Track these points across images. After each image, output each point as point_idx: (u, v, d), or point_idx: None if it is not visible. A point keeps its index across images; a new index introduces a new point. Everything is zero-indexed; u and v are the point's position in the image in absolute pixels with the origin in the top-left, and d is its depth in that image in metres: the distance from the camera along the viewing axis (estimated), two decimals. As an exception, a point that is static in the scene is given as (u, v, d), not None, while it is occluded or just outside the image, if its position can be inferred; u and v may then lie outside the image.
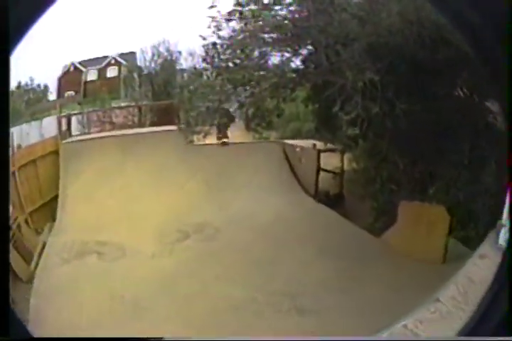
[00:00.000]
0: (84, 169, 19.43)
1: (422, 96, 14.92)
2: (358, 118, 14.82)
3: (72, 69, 26.69)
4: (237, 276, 14.70)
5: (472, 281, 8.21)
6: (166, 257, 16.24)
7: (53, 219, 18.70)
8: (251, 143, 22.49)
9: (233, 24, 16.88)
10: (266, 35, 16.66)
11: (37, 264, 16.04)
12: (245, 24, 16.76)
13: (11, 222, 15.42)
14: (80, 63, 26.64)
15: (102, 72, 26.88)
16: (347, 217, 18.11)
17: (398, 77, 14.74)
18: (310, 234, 16.53)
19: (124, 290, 14.37)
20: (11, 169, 17.02)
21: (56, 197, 19.25)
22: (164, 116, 24.50)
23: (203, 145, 20.18)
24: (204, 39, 17.19)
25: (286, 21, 16.37)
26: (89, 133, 23.77)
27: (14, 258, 14.78)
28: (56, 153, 20.36)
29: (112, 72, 26.91)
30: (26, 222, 18.25)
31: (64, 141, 21.26)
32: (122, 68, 26.84)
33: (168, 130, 21.75)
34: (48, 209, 19.02)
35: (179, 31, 21.11)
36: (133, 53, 26.54)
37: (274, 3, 16.51)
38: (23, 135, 21.09)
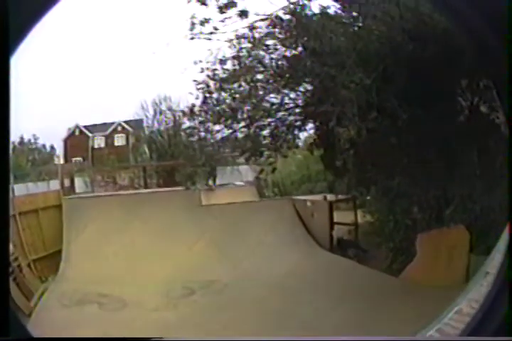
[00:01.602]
0: (87, 226, 18.48)
1: (422, 104, 13.92)
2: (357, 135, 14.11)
3: (77, 132, 26.52)
4: (246, 326, 13.19)
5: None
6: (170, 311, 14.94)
7: (57, 270, 17.76)
8: (260, 201, 21.69)
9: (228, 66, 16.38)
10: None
11: (36, 304, 15.06)
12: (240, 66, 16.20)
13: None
14: (85, 127, 26.39)
15: (109, 140, 26.54)
16: (365, 264, 16.85)
17: (395, 85, 13.83)
18: (326, 285, 15.23)
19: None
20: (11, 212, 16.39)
21: (60, 251, 18.36)
22: (170, 176, 23.86)
23: (211, 205, 19.52)
24: (199, 83, 16.56)
25: (280, 62, 15.96)
26: (92, 192, 23.31)
27: (14, 292, 13.84)
28: (58, 207, 19.58)
29: (119, 141, 26.54)
30: (29, 266, 17.63)
31: (67, 197, 20.55)
32: (130, 136, 26.51)
33: (174, 190, 20.89)
34: (53, 261, 18.17)
35: (179, 87, 20.68)
36: (139, 120, 26.31)
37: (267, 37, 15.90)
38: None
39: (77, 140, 26.12)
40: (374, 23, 14.24)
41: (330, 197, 19.36)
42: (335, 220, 19.60)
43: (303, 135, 17.31)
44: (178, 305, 15.27)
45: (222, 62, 16.30)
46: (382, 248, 16.94)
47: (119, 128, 26.67)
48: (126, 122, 26.53)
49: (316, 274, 16.13)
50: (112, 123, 26.50)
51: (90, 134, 26.44)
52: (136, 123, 26.62)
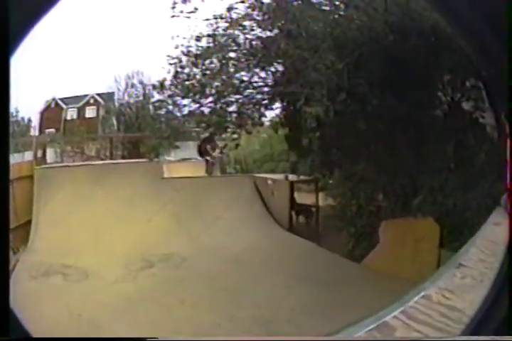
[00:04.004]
0: (54, 195, 17.91)
1: (396, 92, 13.39)
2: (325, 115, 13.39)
3: (53, 105, 25.79)
4: (202, 303, 12.72)
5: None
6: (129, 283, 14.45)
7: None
8: (222, 177, 21.09)
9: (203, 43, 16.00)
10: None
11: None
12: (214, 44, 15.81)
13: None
14: (61, 100, 25.65)
15: (81, 111, 25.79)
16: (325, 246, 16.15)
17: (369, 72, 13.34)
18: (283, 264, 14.57)
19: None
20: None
21: (30, 221, 17.81)
22: (135, 148, 23.45)
23: (173, 178, 18.89)
24: (173, 58, 16.17)
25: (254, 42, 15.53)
26: (62, 162, 22.78)
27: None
28: (31, 177, 18.90)
29: (91, 113, 25.79)
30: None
31: (38, 167, 19.84)
32: (101, 109, 25.83)
33: (139, 162, 20.38)
34: (24, 231, 17.60)
35: (153, 62, 20.47)
36: (111, 93, 25.64)
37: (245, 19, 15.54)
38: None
39: (52, 112, 25.48)
40: (356, 13, 13.78)
41: (292, 177, 18.58)
42: (296, 201, 18.90)
43: (270, 114, 16.65)
44: (137, 278, 14.73)
45: (198, 39, 15.86)
46: (343, 232, 16.29)
47: (92, 101, 25.89)
48: (99, 95, 25.84)
49: (274, 253, 15.45)
50: (86, 96, 25.78)
51: (65, 106, 25.77)
52: (108, 96, 25.92)
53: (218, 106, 15.66)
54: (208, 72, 15.83)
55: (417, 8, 13.05)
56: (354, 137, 14.36)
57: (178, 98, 16.28)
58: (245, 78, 15.82)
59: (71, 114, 25.75)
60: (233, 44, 15.73)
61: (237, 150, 18.58)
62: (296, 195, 18.91)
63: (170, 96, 16.41)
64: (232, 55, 15.80)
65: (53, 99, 25.56)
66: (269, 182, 19.39)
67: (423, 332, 4.52)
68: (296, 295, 12.63)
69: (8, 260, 2.39)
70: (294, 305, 12.15)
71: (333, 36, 13.59)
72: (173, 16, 15.31)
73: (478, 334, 2.68)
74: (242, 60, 15.63)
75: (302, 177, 18.21)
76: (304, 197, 19.09)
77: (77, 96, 25.51)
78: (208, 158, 20.01)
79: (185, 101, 16.14)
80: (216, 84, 15.56)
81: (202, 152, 20.11)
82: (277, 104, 16.20)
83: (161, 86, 16.56)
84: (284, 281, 13.51)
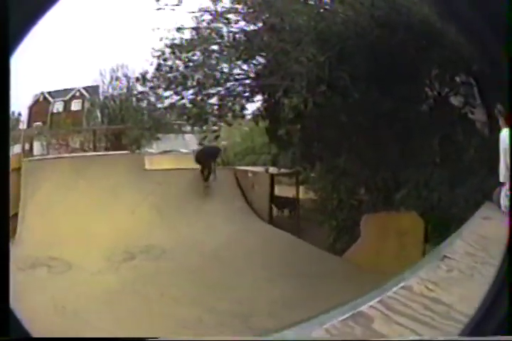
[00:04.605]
0: (41, 186, 17.81)
1: (381, 86, 13.31)
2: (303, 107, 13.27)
3: (41, 99, 25.80)
4: (183, 296, 12.72)
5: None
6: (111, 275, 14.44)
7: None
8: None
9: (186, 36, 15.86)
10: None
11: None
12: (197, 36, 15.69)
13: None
14: (49, 93, 25.68)
15: (67, 105, 25.80)
16: (306, 240, 16.03)
17: (353, 65, 13.22)
18: (264, 258, 14.54)
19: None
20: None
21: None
22: (117, 140, 23.28)
23: (155, 170, 18.60)
24: (156, 51, 15.95)
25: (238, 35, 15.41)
26: (48, 154, 22.65)
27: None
28: (18, 170, 18.69)
29: (76, 106, 25.78)
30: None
31: (25, 159, 19.71)
32: (86, 102, 25.82)
33: (121, 154, 20.21)
34: (14, 223, 17.04)
35: (137, 55, 20.40)
36: (96, 87, 25.57)
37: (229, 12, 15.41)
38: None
39: (40, 106, 25.49)
40: (342, 7, 13.65)
41: (272, 170, 18.19)
42: (276, 194, 18.77)
43: (251, 106, 16.44)
44: (119, 270, 14.73)
45: (181, 31, 15.71)
46: (324, 226, 16.15)
47: (77, 94, 25.87)
48: (84, 88, 25.78)
49: (255, 246, 15.34)
50: (73, 89, 25.76)
51: (52, 100, 25.83)
52: (93, 90, 25.85)
53: (199, 97, 15.42)
54: (190, 64, 15.60)
55: (405, 2, 12.98)
56: (335, 130, 14.23)
57: (160, 90, 16.06)
58: (226, 70, 15.66)
59: (57, 107, 25.75)
60: (216, 36, 15.52)
61: (218, 143, 18.34)
62: (277, 188, 18.77)
63: (152, 88, 16.18)
64: (215, 47, 15.60)
65: (42, 93, 25.48)
66: (250, 174, 19.18)
67: (405, 325, 4.25)
68: (277, 289, 12.53)
69: (8, 260, 2.31)
70: (275, 298, 12.06)
71: (317, 30, 13.42)
72: (158, 9, 15.06)
73: (478, 335, 2.60)
74: (225, 52, 15.42)
75: (283, 170, 17.98)
76: (284, 190, 18.98)
77: (64, 89, 25.45)
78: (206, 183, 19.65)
79: (167, 93, 15.92)
80: (198, 76, 15.32)
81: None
82: (259, 97, 16.04)
83: (143, 78, 16.35)
84: (265, 274, 13.41)
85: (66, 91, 25.58)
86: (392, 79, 13.17)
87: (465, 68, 12.97)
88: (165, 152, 21.31)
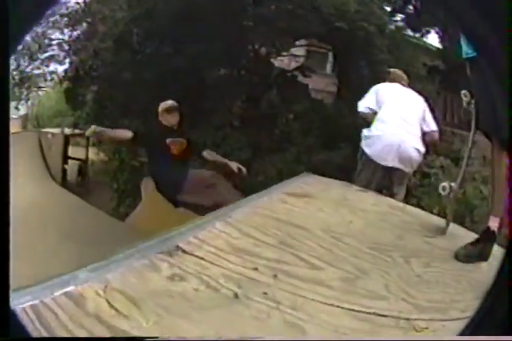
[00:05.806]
0: None
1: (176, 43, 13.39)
2: None
3: None
4: None
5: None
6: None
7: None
8: (14, 133, 18.80)
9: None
10: None
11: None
12: None
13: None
14: None
15: None
16: (94, 203, 14.95)
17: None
18: (55, 221, 12.88)
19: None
20: None
21: None
22: None
23: None
24: None
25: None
26: None
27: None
28: None
29: None
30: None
31: None
32: None
33: None
34: None
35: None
36: None
37: None
38: None
39: None
40: None
41: (67, 130, 17.85)
42: (69, 154, 18.16)
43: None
44: None
45: None
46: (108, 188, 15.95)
47: None
48: None
49: (48, 209, 14.28)
50: None
51: None
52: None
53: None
54: None
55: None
56: (123, 88, 14.08)
57: None
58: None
59: None
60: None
61: (37, 107, 17.30)
62: (73, 149, 18.28)
63: None
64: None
65: None
66: (49, 136, 18.42)
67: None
68: (65, 252, 12.31)
69: (8, 260, 2.09)
70: (65, 259, 11.87)
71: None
72: None
73: (478, 334, 2.55)
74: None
75: (77, 131, 17.48)
76: (80, 152, 18.45)
77: None
78: None
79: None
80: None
81: None
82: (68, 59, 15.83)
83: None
84: (57, 238, 13.09)
85: None
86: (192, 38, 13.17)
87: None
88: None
